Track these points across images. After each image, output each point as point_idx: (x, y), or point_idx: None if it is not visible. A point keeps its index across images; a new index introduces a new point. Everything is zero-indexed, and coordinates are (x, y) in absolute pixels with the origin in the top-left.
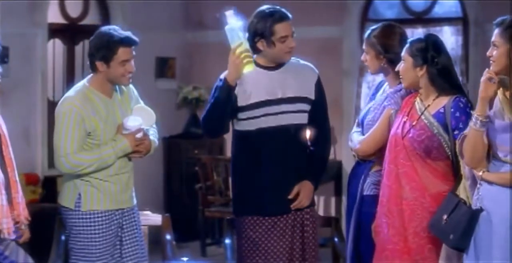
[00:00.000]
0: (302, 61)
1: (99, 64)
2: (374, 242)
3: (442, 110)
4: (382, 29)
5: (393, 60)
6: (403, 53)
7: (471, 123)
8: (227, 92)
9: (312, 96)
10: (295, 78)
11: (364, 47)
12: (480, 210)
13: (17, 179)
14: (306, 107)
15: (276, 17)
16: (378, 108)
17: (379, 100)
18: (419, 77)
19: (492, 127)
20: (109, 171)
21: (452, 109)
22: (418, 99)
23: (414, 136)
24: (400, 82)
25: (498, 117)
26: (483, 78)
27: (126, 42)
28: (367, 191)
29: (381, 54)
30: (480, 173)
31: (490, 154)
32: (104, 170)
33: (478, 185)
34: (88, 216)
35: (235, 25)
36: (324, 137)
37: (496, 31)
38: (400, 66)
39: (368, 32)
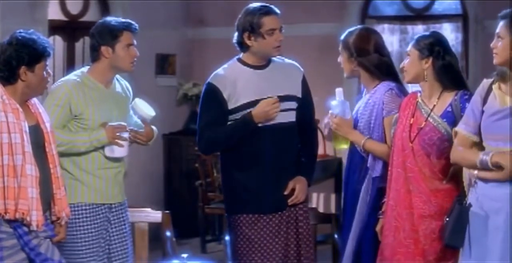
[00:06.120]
0: (287, 60)
1: (105, 50)
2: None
3: (450, 109)
4: (358, 32)
5: (364, 64)
6: (408, 49)
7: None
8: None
9: (299, 94)
10: (282, 76)
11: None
12: (469, 205)
13: (59, 175)
14: (294, 105)
15: (263, 10)
16: (368, 115)
17: (368, 105)
18: (424, 70)
19: (485, 119)
20: (94, 165)
21: (461, 105)
22: (420, 100)
23: (426, 139)
24: (377, 84)
25: (492, 107)
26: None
27: (128, 26)
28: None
29: (352, 57)
30: (476, 172)
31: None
32: (90, 164)
33: (473, 183)
34: (72, 209)
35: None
36: (312, 133)
37: (502, 23)
38: (405, 62)
39: (344, 34)
